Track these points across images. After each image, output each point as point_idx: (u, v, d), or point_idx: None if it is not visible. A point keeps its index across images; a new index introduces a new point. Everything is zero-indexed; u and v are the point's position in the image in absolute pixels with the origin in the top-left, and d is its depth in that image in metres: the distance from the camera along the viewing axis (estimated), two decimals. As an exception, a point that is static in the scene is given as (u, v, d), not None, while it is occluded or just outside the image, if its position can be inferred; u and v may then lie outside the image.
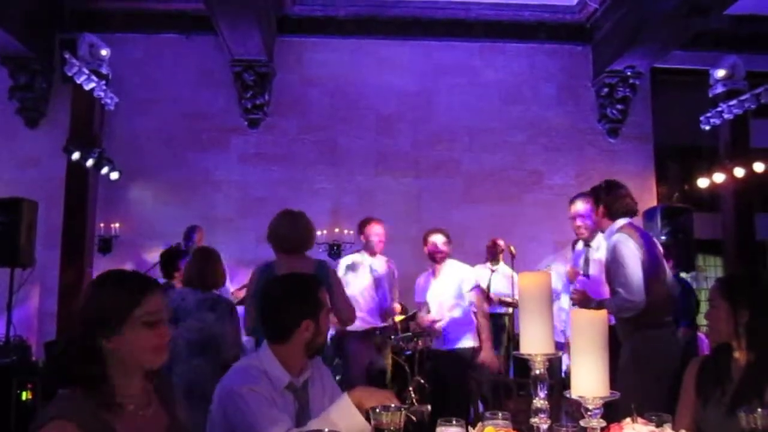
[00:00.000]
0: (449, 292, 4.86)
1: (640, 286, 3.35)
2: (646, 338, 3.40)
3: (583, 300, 3.62)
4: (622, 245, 3.43)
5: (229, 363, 3.68)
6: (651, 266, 3.44)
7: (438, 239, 4.90)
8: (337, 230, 7.43)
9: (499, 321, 6.06)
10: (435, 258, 4.91)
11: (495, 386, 5.55)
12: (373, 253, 5.08)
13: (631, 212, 3.65)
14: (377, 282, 5.01)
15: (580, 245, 4.45)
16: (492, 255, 6.35)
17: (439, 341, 4.88)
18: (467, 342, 4.80)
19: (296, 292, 2.15)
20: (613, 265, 3.46)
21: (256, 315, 3.60)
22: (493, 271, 6.23)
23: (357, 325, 4.69)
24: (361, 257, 5.11)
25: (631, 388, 2.90)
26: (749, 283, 2.29)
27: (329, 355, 4.94)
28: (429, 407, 5.02)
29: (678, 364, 3.42)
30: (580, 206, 4.07)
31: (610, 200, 3.61)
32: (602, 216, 3.64)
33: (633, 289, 3.34)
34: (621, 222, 3.58)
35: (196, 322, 3.61)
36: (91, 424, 1.48)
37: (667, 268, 3.66)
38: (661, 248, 3.68)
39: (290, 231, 3.61)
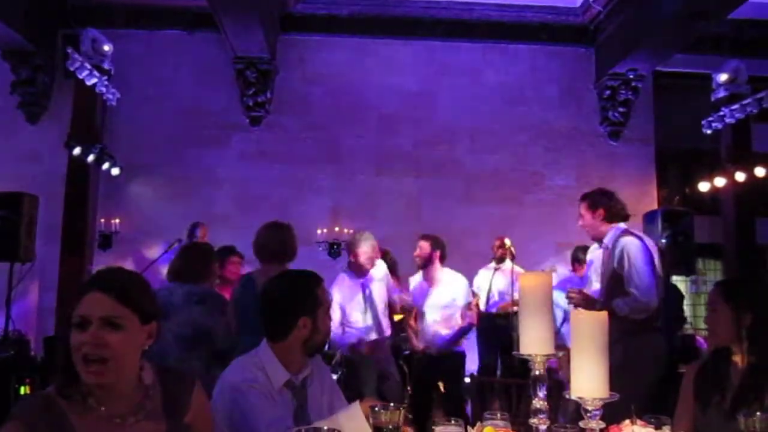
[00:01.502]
0: (440, 305, 4.82)
1: (653, 288, 3.39)
2: (638, 342, 3.40)
3: (585, 301, 3.58)
4: (634, 247, 3.47)
5: (222, 355, 3.69)
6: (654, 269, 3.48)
7: (420, 244, 4.84)
8: (336, 229, 7.43)
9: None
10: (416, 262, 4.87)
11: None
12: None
13: (626, 216, 3.72)
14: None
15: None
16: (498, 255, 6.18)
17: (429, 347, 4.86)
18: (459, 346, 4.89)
19: (293, 290, 2.14)
20: (626, 267, 3.47)
21: (235, 323, 3.60)
22: (496, 269, 6.11)
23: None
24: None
25: (616, 389, 2.90)
26: (751, 287, 2.28)
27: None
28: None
29: (664, 370, 3.45)
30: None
31: (611, 205, 3.66)
32: (601, 220, 3.67)
33: (647, 291, 3.38)
34: (622, 226, 3.64)
35: (185, 317, 3.52)
36: (39, 423, 1.41)
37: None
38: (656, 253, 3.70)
39: (268, 241, 3.68)
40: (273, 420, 1.89)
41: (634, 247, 3.47)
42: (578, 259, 5.72)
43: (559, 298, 4.78)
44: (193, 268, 3.73)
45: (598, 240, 3.81)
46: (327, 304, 2.16)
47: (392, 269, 5.84)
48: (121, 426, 1.49)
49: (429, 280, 4.88)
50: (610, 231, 3.65)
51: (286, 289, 2.15)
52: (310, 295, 2.11)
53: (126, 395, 1.52)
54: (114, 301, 1.47)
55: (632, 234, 3.63)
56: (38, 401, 1.46)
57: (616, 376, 3.19)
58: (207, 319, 3.57)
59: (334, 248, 7.37)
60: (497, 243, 6.04)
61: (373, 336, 4.56)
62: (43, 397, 1.47)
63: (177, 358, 3.43)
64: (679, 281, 7.21)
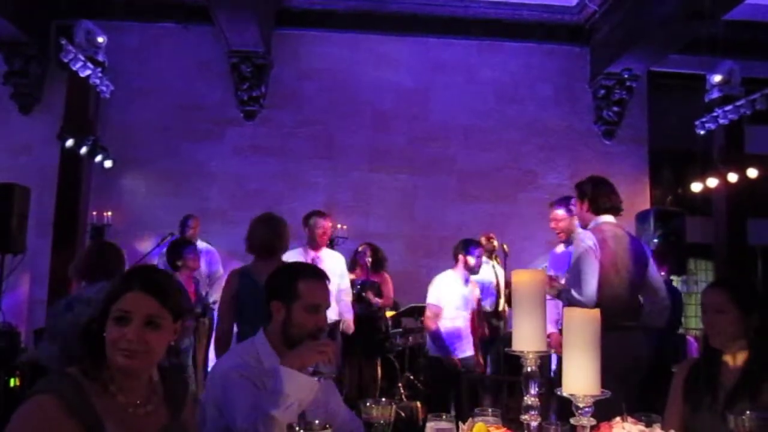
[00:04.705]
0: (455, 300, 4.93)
1: (590, 287, 3.30)
2: (609, 340, 3.28)
3: (550, 283, 3.52)
4: (582, 243, 3.40)
5: None
6: (608, 268, 3.36)
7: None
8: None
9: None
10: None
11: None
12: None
13: (615, 210, 3.57)
14: None
15: (560, 248, 4.56)
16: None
17: (439, 348, 4.88)
18: (469, 351, 4.93)
19: (275, 274, 2.20)
20: (573, 261, 3.44)
21: (229, 319, 3.58)
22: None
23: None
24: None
25: None
26: (754, 289, 2.34)
27: None
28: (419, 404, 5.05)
29: (644, 370, 3.38)
30: (553, 212, 4.36)
31: (595, 195, 3.54)
32: (586, 210, 3.57)
33: (582, 290, 3.31)
34: (603, 219, 3.51)
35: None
36: (72, 399, 1.47)
37: (654, 272, 3.53)
38: (648, 251, 3.61)
39: (262, 234, 3.66)
40: (250, 407, 1.87)
41: (583, 242, 3.39)
42: None
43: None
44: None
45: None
46: (308, 301, 2.08)
47: (381, 265, 5.85)
48: (133, 415, 1.58)
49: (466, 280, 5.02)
50: (592, 222, 3.55)
51: (272, 273, 2.22)
52: (287, 283, 2.12)
53: (141, 387, 1.62)
54: (157, 302, 1.58)
55: (607, 226, 3.47)
56: (67, 379, 1.52)
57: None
58: None
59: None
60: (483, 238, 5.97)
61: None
62: (69, 375, 1.54)
63: None
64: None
